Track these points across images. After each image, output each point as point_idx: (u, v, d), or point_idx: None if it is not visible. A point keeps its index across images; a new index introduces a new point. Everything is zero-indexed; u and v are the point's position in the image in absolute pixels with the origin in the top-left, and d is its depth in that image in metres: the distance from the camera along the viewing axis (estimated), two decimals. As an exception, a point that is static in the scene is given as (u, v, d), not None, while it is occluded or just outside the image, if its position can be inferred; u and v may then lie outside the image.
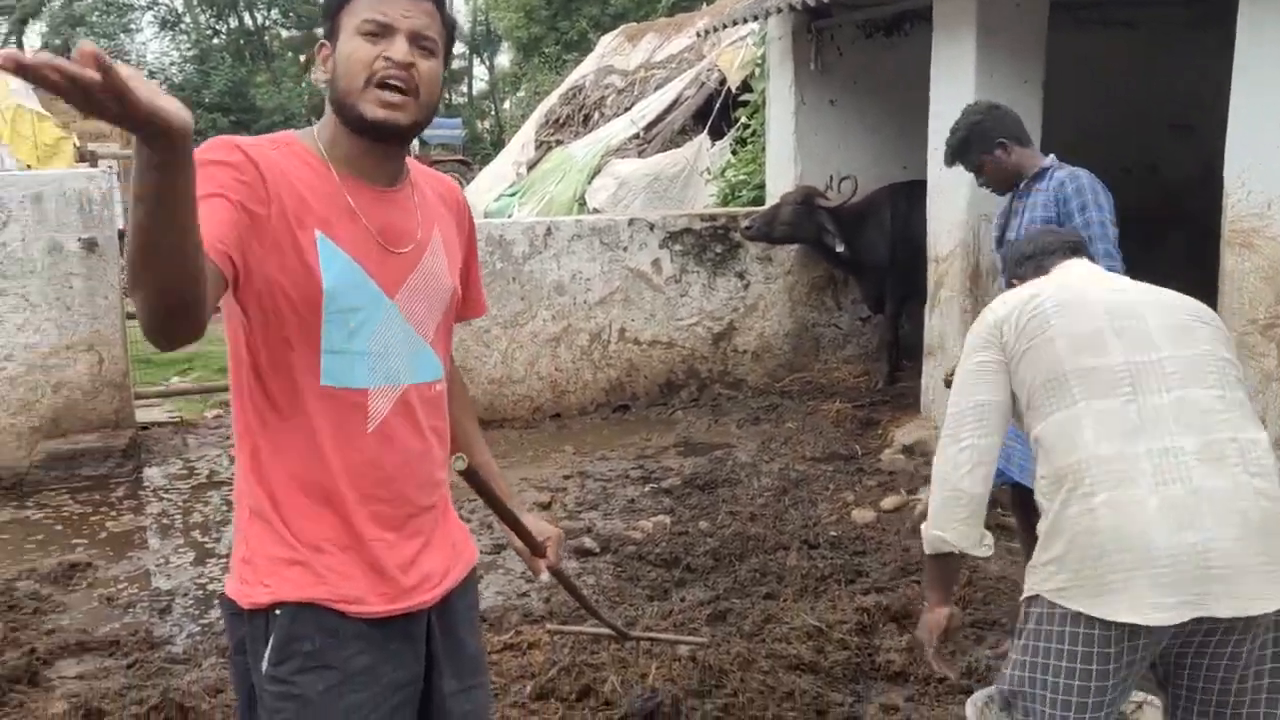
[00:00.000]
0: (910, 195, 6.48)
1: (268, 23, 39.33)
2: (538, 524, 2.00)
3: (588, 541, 4.54)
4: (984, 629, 3.64)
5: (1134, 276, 5.52)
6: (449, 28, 1.68)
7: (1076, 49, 6.38)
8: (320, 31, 1.69)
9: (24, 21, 31.95)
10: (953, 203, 5.43)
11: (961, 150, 3.70)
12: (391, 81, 1.58)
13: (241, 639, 1.66)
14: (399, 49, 1.58)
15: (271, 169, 1.54)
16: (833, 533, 4.51)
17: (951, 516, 2.12)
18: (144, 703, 3.00)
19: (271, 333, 1.59)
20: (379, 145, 1.65)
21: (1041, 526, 2.00)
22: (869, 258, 6.68)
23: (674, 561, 4.27)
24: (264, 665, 1.60)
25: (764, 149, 7.73)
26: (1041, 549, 1.98)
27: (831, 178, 6.69)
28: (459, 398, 1.93)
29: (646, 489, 5.29)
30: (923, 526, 2.23)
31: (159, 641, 3.73)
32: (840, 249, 6.52)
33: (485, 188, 13.37)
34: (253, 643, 1.63)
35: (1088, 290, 2.18)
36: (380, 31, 1.58)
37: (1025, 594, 2.02)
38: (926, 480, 5.13)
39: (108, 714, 2.94)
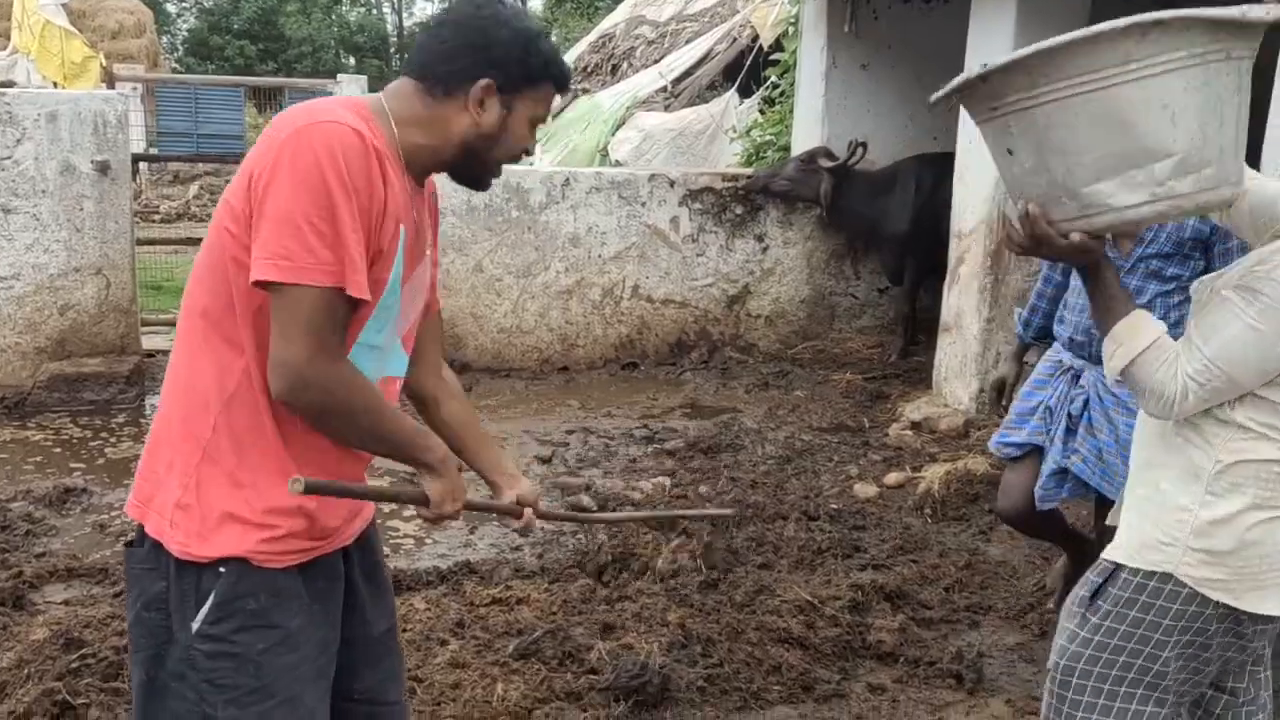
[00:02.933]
0: (937, 167, 6.35)
1: (302, -48, 38.82)
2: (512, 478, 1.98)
3: (585, 499, 4.49)
4: (979, 614, 3.59)
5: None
6: None
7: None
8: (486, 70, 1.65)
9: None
10: (980, 178, 5.30)
11: None
12: (516, 163, 1.77)
13: (158, 594, 1.60)
14: (535, 142, 1.75)
15: (384, 164, 1.56)
16: (833, 506, 4.46)
17: None
18: (125, 634, 2.97)
19: None
20: None
21: (1205, 514, 1.80)
22: (889, 227, 6.57)
23: (670, 525, 4.22)
24: (195, 624, 1.57)
25: (792, 110, 7.58)
26: (1198, 535, 1.80)
27: (851, 142, 6.57)
28: (460, 400, 1.98)
29: (649, 449, 5.24)
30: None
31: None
32: (823, 213, 6.61)
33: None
34: (180, 598, 1.59)
35: None
36: (537, 125, 1.72)
37: (1143, 567, 1.85)
38: (932, 458, 5.09)
39: (88, 643, 2.92)
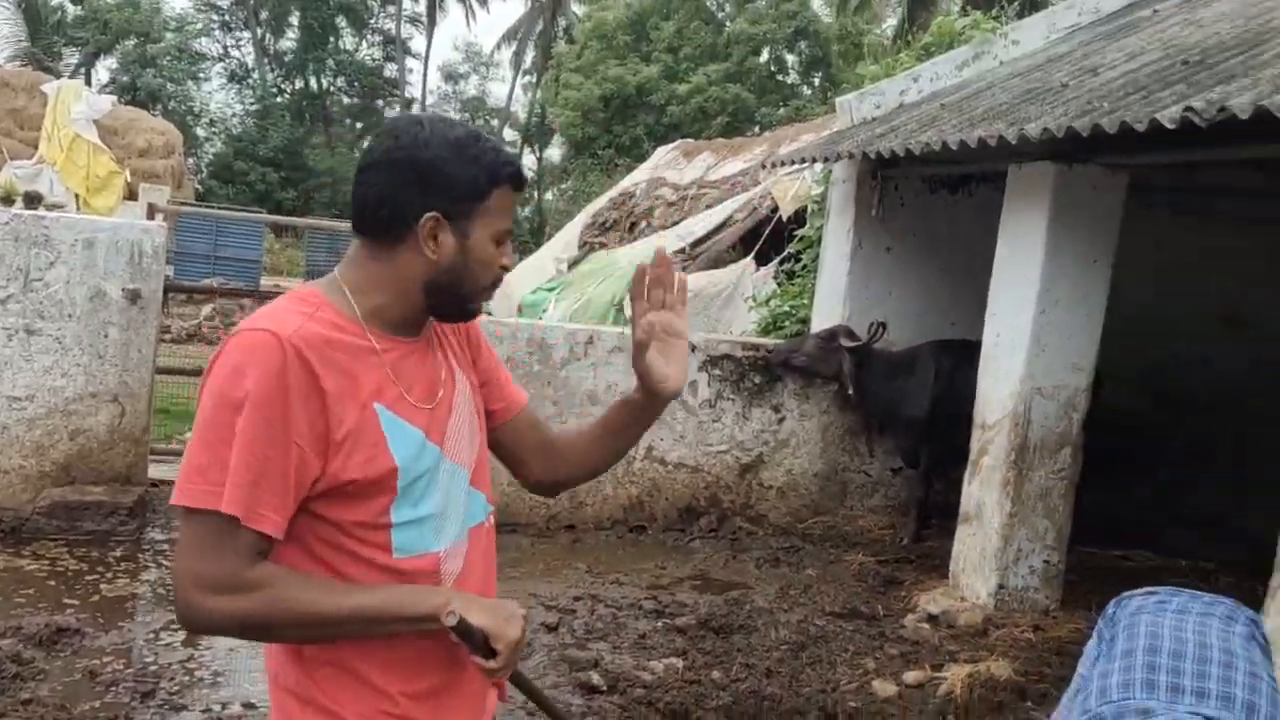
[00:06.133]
0: (957, 354, 6.39)
1: (331, 89, 40.37)
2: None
3: (595, 678, 4.32)
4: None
5: (1174, 467, 5.37)
6: None
7: (1138, 230, 6.33)
8: (431, 202, 1.54)
9: (96, 55, 32.90)
10: (1007, 372, 5.33)
11: None
12: (497, 284, 1.64)
13: None
14: (511, 257, 1.62)
15: (320, 354, 1.46)
16: (852, 703, 4.29)
17: None
18: (116, 808, 2.79)
19: (330, 525, 1.50)
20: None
21: None
22: (907, 410, 6.56)
23: (683, 714, 4.05)
24: None
25: (813, 284, 7.69)
26: None
27: (872, 323, 6.64)
28: (567, 435, 1.92)
29: (659, 624, 5.08)
30: None
31: (138, 729, 3.53)
32: (850, 392, 6.54)
33: (522, 279, 13.41)
34: None
35: None
36: (506, 239, 1.60)
37: None
38: (952, 656, 4.93)
39: (76, 818, 2.73)
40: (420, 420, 1.55)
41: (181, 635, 4.41)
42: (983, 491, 5.50)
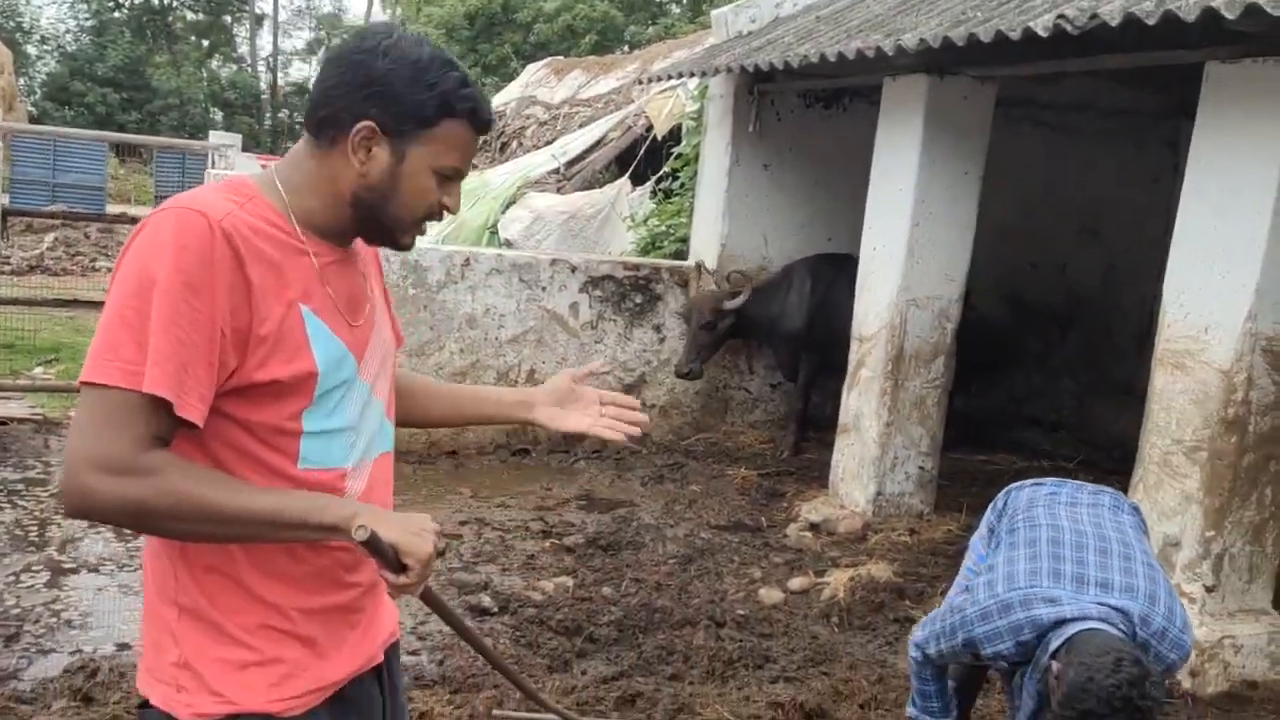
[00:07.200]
0: (832, 267, 6.48)
1: (174, 4, 38.05)
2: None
3: (485, 599, 4.29)
4: (896, 732, 3.53)
5: (1032, 373, 5.66)
6: None
7: (1002, 145, 6.46)
8: (366, 109, 1.44)
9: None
10: (884, 284, 5.42)
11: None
12: (434, 221, 1.56)
13: None
14: (457, 199, 1.53)
15: (249, 245, 1.38)
16: (740, 611, 4.37)
17: None
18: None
19: (237, 425, 1.42)
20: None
21: None
22: (785, 325, 6.63)
23: (576, 630, 4.06)
24: None
25: (691, 203, 7.66)
26: None
27: (730, 275, 6.70)
28: (418, 381, 1.89)
29: (547, 544, 5.06)
30: None
31: (3, 674, 3.34)
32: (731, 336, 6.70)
33: (391, 203, 12.96)
34: None
35: None
36: (453, 176, 1.50)
37: None
38: (834, 562, 5.08)
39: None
40: (343, 331, 1.50)
41: (45, 577, 4.18)
42: (860, 402, 5.62)
